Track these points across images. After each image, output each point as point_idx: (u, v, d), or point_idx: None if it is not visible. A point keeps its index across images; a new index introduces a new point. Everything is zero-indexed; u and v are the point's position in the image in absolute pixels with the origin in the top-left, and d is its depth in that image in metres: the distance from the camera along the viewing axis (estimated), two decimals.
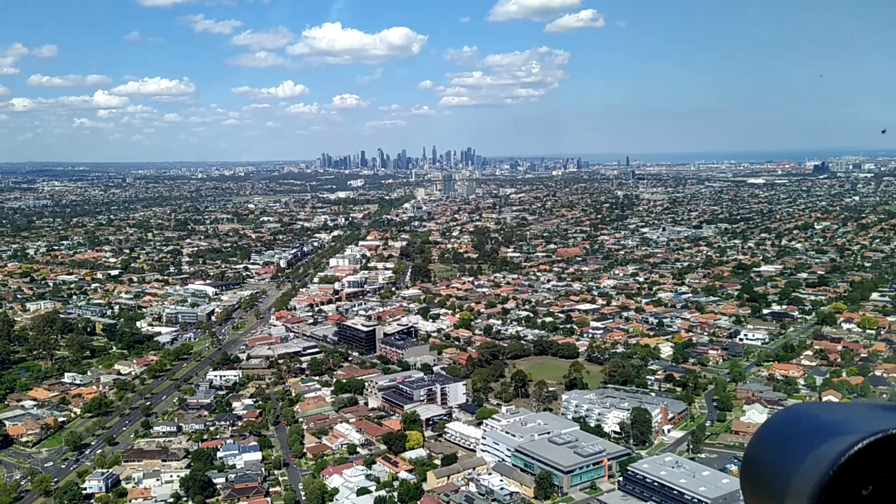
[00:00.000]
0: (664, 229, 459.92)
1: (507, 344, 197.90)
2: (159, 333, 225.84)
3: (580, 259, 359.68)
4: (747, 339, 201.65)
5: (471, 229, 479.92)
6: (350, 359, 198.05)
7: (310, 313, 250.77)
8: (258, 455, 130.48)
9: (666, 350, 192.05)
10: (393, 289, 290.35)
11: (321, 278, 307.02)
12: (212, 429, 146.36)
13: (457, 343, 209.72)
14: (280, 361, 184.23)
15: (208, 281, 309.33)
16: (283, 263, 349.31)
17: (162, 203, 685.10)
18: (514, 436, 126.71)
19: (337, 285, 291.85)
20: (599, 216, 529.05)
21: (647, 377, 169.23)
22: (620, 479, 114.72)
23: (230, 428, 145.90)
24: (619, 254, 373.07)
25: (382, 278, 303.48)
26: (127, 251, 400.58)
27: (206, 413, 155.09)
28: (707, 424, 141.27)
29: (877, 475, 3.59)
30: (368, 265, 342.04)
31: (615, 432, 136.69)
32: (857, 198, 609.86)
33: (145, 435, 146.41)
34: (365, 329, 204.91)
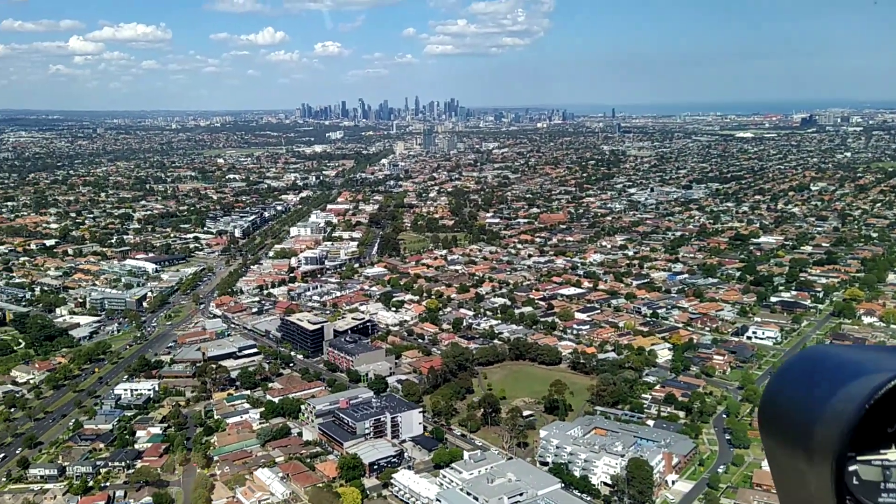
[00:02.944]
0: (652, 190, 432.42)
1: (477, 347, 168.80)
2: (77, 325, 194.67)
3: (564, 227, 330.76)
4: (756, 337, 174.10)
5: (449, 189, 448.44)
6: (293, 363, 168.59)
7: (256, 299, 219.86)
8: None
9: (663, 353, 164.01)
10: (356, 266, 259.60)
11: (277, 252, 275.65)
12: (103, 472, 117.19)
13: (420, 342, 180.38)
14: (207, 371, 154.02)
15: (151, 255, 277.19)
16: (238, 233, 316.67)
17: (129, 156, 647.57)
18: (477, 499, 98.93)
19: (293, 261, 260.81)
20: (585, 175, 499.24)
21: (643, 396, 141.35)
22: None
23: (125, 472, 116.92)
24: (606, 220, 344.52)
25: (345, 253, 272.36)
26: (74, 215, 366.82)
27: (101, 446, 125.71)
28: (720, 471, 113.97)
29: None
30: (333, 235, 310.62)
31: (606, 484, 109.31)
32: (848, 154, 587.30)
33: (19, 479, 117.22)
34: (311, 327, 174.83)
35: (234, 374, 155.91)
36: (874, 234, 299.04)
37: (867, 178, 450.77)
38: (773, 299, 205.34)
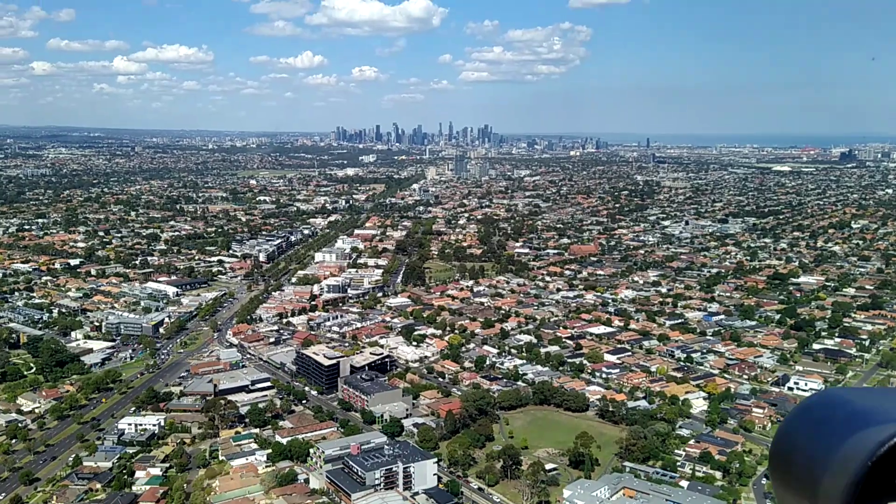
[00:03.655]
0: (687, 223, 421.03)
1: (499, 389, 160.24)
2: (90, 351, 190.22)
3: (595, 259, 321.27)
4: (798, 388, 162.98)
5: (479, 217, 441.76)
6: (306, 400, 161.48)
7: (275, 327, 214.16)
8: None
9: (698, 403, 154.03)
10: (379, 295, 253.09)
11: (299, 278, 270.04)
12: None
13: (440, 381, 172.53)
14: (215, 405, 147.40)
15: (173, 277, 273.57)
16: (262, 257, 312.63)
17: (164, 175, 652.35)
18: None
19: (315, 288, 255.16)
20: (617, 205, 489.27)
21: (676, 452, 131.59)
22: None
23: None
24: (639, 253, 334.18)
25: (369, 281, 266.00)
26: (102, 234, 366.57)
27: (98, 487, 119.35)
28: None
29: None
30: (358, 262, 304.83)
31: None
32: (890, 191, 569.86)
33: None
34: (327, 362, 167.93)
35: (244, 410, 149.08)
36: None
37: None
38: (815, 346, 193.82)
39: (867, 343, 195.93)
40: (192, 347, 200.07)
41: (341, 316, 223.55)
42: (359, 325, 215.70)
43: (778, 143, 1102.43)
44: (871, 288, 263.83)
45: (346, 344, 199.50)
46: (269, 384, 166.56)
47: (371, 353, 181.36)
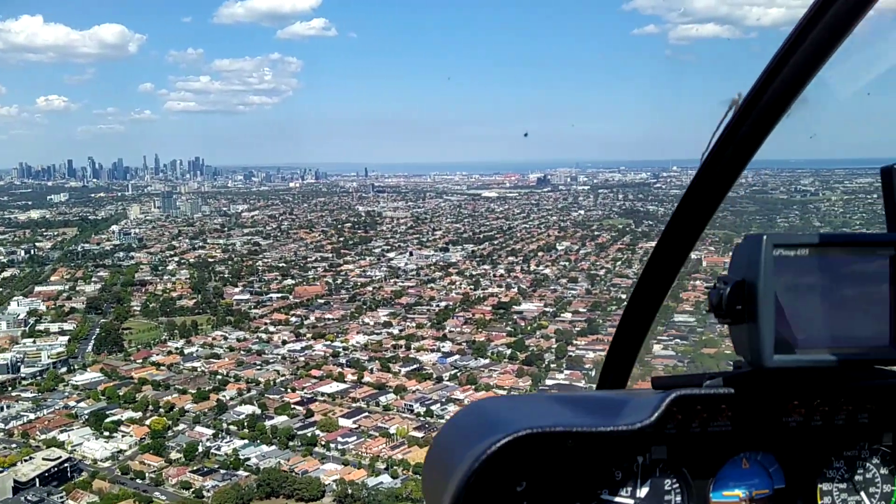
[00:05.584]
0: (411, 254, 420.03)
1: (216, 484, 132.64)
2: None
3: (322, 301, 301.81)
4: None
5: (191, 260, 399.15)
6: None
7: None
8: None
9: None
10: (62, 371, 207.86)
11: None
12: None
13: (139, 482, 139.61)
14: None
15: None
16: None
17: None
18: None
19: None
20: (342, 239, 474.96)
21: None
22: None
23: None
24: (367, 290, 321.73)
25: (49, 355, 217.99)
26: None
27: None
28: None
29: (529, 471, 3.30)
30: (37, 329, 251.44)
31: None
32: (581, 211, 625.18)
33: None
34: None
35: None
36: (623, 296, 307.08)
37: (604, 236, 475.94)
38: (548, 382, 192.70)
39: (593, 373, 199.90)
40: None
41: (7, 406, 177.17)
42: (32, 416, 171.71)
43: (484, 170, 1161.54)
44: (585, 310, 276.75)
45: (14, 445, 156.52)
46: None
47: (45, 459, 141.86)
